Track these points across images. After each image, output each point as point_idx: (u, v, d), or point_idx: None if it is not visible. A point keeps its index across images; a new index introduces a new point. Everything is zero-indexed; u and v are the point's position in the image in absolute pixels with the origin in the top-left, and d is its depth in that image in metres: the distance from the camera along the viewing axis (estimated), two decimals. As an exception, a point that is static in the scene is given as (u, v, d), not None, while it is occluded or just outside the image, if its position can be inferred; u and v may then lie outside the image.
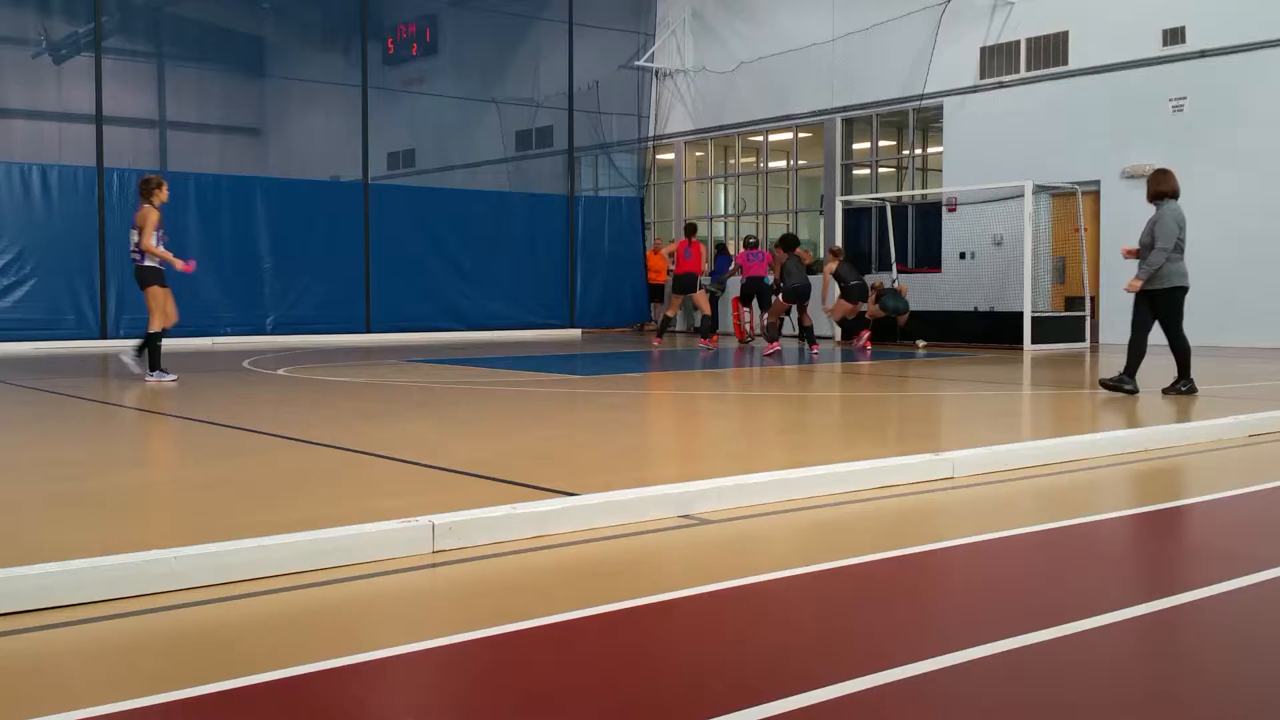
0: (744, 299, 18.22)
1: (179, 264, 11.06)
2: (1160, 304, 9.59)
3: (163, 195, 11.04)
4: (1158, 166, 10.09)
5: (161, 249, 10.83)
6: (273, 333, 19.50)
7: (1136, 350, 9.62)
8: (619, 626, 3.40)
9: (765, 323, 16.78)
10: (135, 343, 11.41)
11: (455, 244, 21.64)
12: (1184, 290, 9.59)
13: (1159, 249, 9.40)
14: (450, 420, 8.39)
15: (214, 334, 18.86)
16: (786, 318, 17.05)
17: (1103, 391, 9.79)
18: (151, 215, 10.85)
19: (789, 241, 16.13)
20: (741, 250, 18.23)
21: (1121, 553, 4.58)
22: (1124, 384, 9.52)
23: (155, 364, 11.01)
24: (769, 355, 15.06)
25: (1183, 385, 9.53)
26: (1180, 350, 9.63)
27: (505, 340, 20.25)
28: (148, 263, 10.87)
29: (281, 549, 3.91)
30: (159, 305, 10.89)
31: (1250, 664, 3.10)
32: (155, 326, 10.95)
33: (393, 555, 4.09)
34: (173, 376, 11.04)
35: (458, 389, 10.87)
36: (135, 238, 10.90)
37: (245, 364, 14.11)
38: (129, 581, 3.60)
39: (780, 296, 15.93)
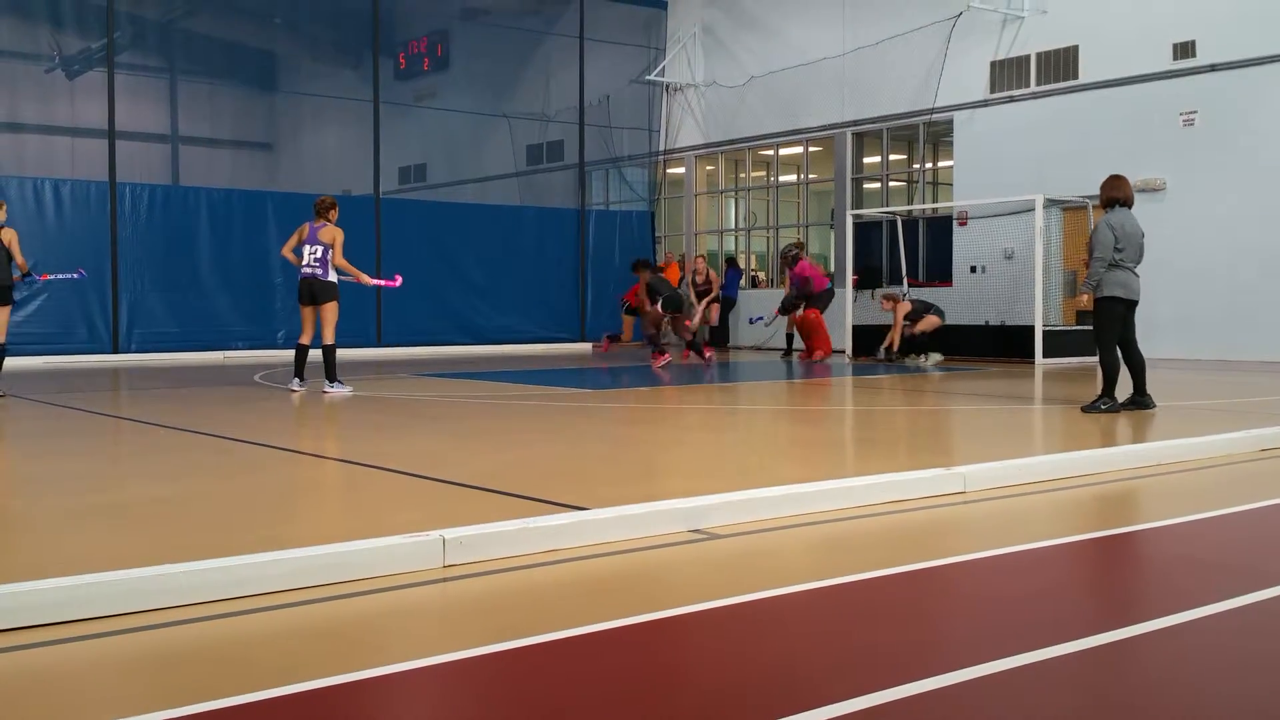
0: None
1: (368, 280, 11.95)
2: (1095, 312, 9.43)
3: (335, 215, 11.61)
4: (1114, 176, 9.84)
5: (355, 267, 11.59)
6: (284, 347, 19.49)
7: (1130, 363, 9.48)
8: (630, 642, 3.40)
9: (645, 335, 16.42)
10: (326, 373, 11.58)
11: (466, 258, 21.67)
12: (1119, 301, 9.30)
13: (1095, 259, 9.24)
14: (461, 434, 8.39)
15: (225, 348, 18.91)
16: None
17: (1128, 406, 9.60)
18: (340, 232, 11.41)
19: (644, 264, 16.05)
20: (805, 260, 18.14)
21: (1134, 568, 4.56)
22: (1142, 402, 9.37)
23: (332, 374, 11.49)
24: (662, 368, 14.95)
25: (1102, 403, 9.30)
26: (1104, 365, 9.39)
27: (516, 354, 20.27)
28: (332, 278, 11.39)
29: (293, 563, 3.92)
30: (335, 318, 11.57)
31: (1256, 680, 3.08)
32: (329, 338, 11.56)
33: (404, 570, 4.09)
34: (349, 389, 11.52)
35: (468, 403, 10.87)
36: (318, 253, 11.38)
37: (256, 378, 14.15)
38: (142, 596, 3.61)
39: (659, 306, 15.73)
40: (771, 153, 23.66)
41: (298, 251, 11.69)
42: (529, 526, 4.47)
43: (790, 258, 18.13)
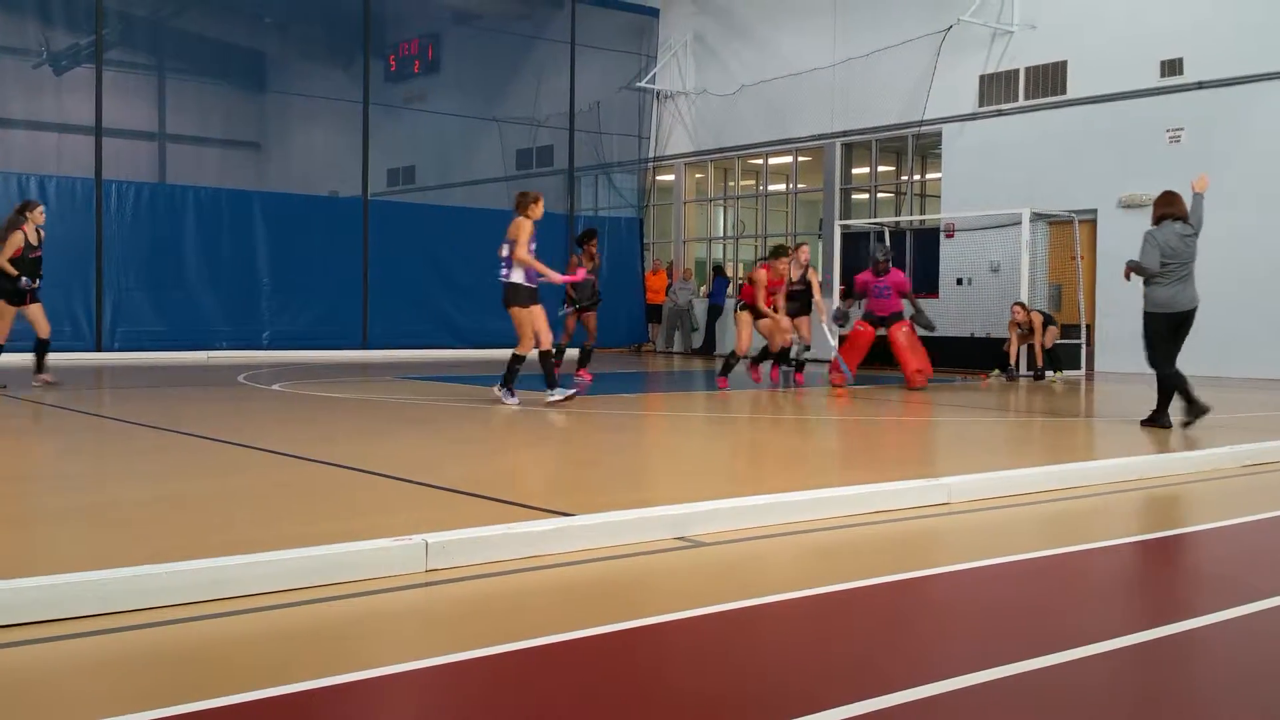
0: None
1: (555, 276, 10.73)
2: (1143, 328, 9.43)
3: (538, 211, 10.54)
4: (1163, 192, 9.70)
5: (534, 260, 10.36)
6: (269, 347, 19.47)
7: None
8: (613, 648, 3.38)
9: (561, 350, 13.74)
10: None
11: (454, 261, 21.63)
12: (1157, 316, 9.24)
13: (1143, 269, 9.27)
14: (446, 438, 8.37)
15: (209, 348, 18.84)
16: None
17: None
18: (526, 226, 10.36)
19: (589, 234, 14.47)
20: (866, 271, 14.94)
21: (1116, 580, 4.56)
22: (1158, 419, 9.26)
23: (508, 381, 10.53)
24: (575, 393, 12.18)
25: (1163, 419, 9.26)
26: (1158, 380, 9.35)
27: (504, 358, 20.13)
28: (515, 278, 10.34)
29: (274, 565, 3.89)
30: (527, 325, 10.41)
31: (1246, 693, 3.08)
32: (523, 349, 10.49)
33: (386, 574, 4.07)
34: (515, 400, 10.42)
35: (455, 407, 10.84)
36: (504, 251, 10.42)
37: (240, 379, 14.08)
38: (122, 596, 3.58)
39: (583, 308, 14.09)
40: (761, 162, 23.70)
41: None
42: (512, 532, 4.45)
43: (881, 265, 14.61)
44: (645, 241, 25.19)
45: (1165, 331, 9.29)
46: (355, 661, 3.16)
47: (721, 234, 25.82)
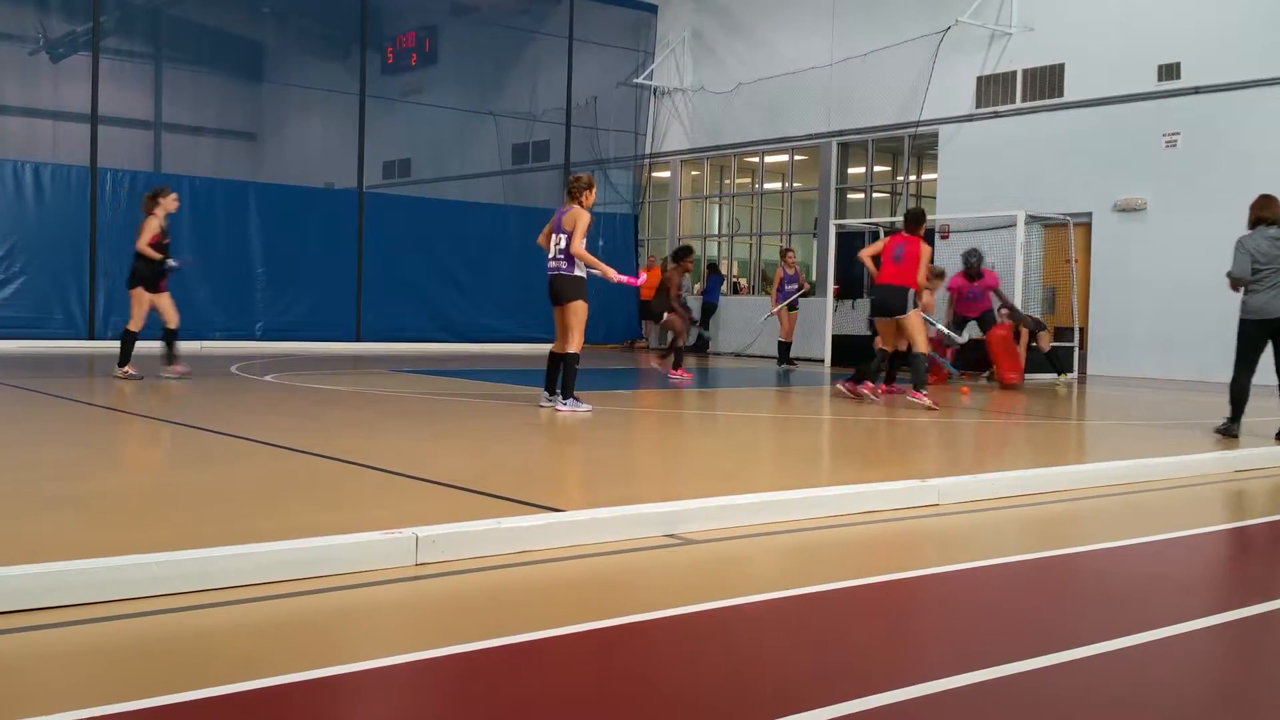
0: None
1: (613, 275, 10.08)
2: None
3: (591, 199, 9.84)
4: (1260, 195, 9.50)
5: (593, 256, 9.64)
6: (262, 338, 19.44)
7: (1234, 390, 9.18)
8: (599, 645, 3.39)
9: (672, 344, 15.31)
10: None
11: (449, 255, 21.61)
12: (1249, 322, 9.08)
13: (1233, 279, 9.11)
14: (438, 432, 8.36)
15: (203, 338, 18.77)
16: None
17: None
18: (585, 217, 9.65)
19: (684, 251, 15.53)
20: (958, 274, 15.40)
21: (1105, 584, 4.57)
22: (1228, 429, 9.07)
23: (569, 390, 9.59)
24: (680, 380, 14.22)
25: (1222, 427, 9.10)
26: (1230, 387, 9.16)
27: (497, 353, 20.22)
28: (578, 272, 9.69)
29: (263, 557, 3.89)
30: (581, 323, 9.70)
31: (1241, 695, 3.09)
32: (575, 346, 9.64)
33: (375, 566, 4.07)
34: (587, 408, 9.53)
35: (447, 401, 10.84)
36: (562, 243, 9.66)
37: (233, 369, 14.07)
38: (109, 586, 3.58)
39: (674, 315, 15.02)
40: (757, 160, 23.70)
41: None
42: (502, 527, 4.45)
43: (975, 269, 15.12)
44: (640, 238, 25.19)
45: (1255, 338, 9.08)
46: (342, 655, 3.16)
47: (716, 231, 25.81)
